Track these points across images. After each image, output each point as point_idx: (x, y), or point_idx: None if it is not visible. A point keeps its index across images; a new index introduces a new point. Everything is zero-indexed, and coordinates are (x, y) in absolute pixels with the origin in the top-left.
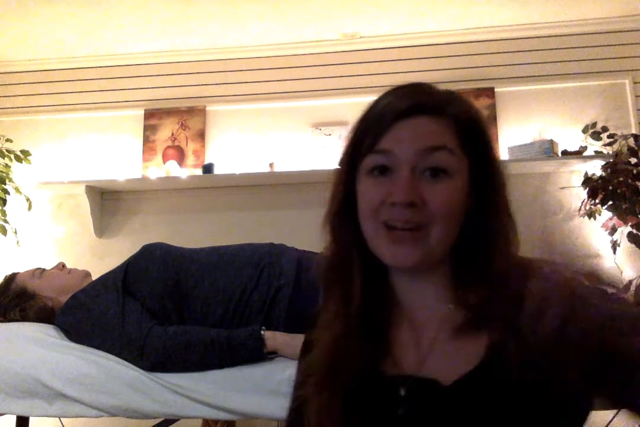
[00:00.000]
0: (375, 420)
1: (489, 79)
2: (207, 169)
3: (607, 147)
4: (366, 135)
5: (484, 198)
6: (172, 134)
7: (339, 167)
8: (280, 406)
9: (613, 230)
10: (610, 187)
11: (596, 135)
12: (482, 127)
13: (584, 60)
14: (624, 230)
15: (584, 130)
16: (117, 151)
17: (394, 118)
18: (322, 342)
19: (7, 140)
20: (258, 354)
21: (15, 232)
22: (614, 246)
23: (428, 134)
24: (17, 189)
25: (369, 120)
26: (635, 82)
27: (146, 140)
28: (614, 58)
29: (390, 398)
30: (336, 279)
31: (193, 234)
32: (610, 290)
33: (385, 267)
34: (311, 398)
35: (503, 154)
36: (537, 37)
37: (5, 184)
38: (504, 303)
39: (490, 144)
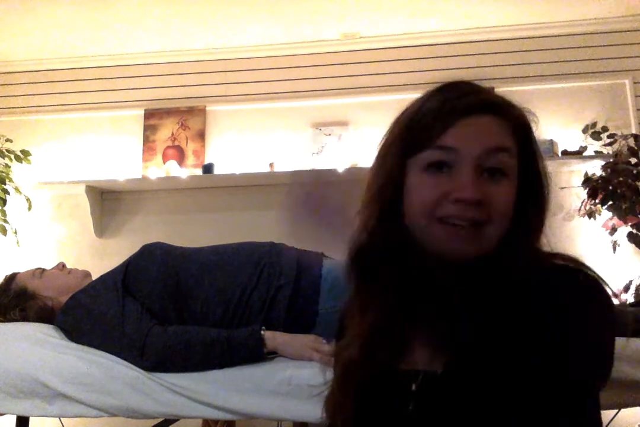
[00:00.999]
0: (387, 417)
1: (489, 79)
2: (207, 169)
3: (607, 147)
4: (425, 129)
5: (527, 198)
6: (172, 134)
7: (383, 159)
8: (280, 406)
9: (613, 230)
10: (610, 187)
11: (596, 135)
12: (532, 131)
13: (584, 60)
14: (624, 230)
15: (584, 130)
16: (117, 151)
17: (460, 114)
18: (352, 336)
19: (7, 140)
20: (258, 354)
21: (15, 232)
22: (614, 246)
23: (494, 134)
24: (17, 189)
25: (426, 115)
26: (635, 82)
27: (146, 140)
28: (614, 58)
29: (402, 394)
30: (376, 270)
31: (193, 234)
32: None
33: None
34: (332, 392)
35: None
36: (537, 37)
37: (5, 184)
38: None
39: (539, 148)
